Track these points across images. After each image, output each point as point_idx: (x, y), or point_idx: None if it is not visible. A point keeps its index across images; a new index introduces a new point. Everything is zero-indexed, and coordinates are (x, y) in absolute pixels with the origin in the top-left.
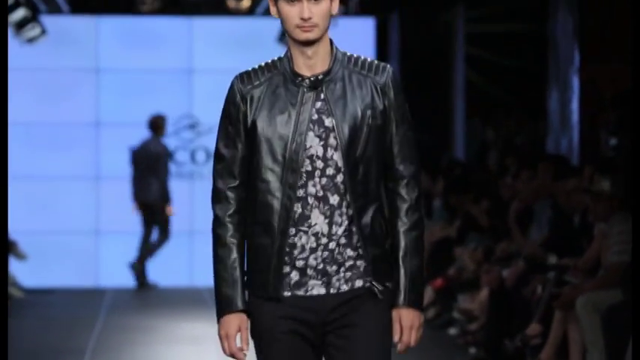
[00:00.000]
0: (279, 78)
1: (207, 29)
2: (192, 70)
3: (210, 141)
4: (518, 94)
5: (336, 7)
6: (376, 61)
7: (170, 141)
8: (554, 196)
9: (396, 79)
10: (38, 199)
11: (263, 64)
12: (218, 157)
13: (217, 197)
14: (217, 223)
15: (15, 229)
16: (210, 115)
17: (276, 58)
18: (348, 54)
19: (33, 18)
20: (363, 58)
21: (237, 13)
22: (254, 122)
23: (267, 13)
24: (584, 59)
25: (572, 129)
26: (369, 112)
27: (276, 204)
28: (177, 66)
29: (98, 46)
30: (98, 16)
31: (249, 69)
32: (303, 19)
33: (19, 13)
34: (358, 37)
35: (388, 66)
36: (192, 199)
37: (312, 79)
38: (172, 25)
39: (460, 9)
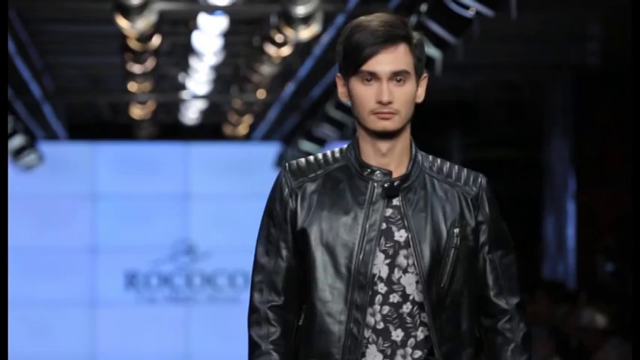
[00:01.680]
0: (341, 170)
1: (204, 155)
2: (189, 196)
3: (206, 266)
4: (514, 220)
5: (422, 94)
6: (466, 169)
7: (166, 266)
8: (551, 321)
9: (491, 191)
10: (34, 324)
11: (321, 155)
12: (257, 266)
13: (255, 318)
14: (256, 352)
15: (10, 352)
16: (207, 240)
17: (336, 149)
18: (431, 157)
19: (30, 145)
20: (449, 164)
21: (233, 138)
22: (307, 226)
23: (264, 138)
24: (579, 185)
25: (568, 254)
26: (456, 231)
27: (340, 330)
28: (174, 191)
29: (95, 172)
30: (95, 142)
31: (303, 159)
32: (381, 103)
33: (17, 141)
34: None
35: (481, 175)
36: (187, 326)
37: (386, 185)
38: (169, 151)
39: (456, 135)
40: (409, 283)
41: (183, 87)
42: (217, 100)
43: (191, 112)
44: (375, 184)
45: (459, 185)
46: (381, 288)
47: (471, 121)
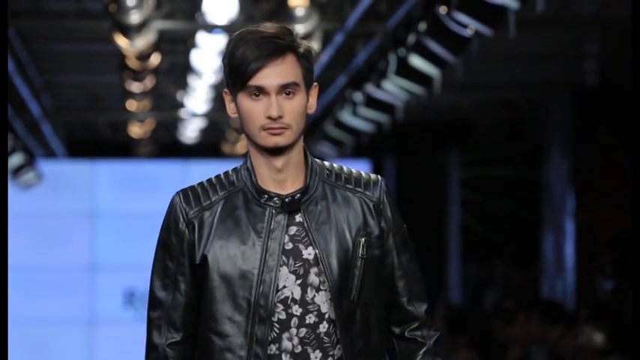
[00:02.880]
0: (237, 197)
1: (203, 173)
2: None
3: None
4: (513, 238)
5: (313, 105)
6: (364, 173)
7: None
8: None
9: (390, 194)
10: (33, 343)
11: (213, 178)
12: (154, 302)
13: (154, 357)
14: None
15: None
16: None
17: (230, 171)
18: (327, 164)
19: (29, 164)
20: (346, 169)
21: (232, 156)
22: (204, 257)
23: None
24: (578, 203)
25: (567, 273)
26: (362, 240)
27: None
28: None
29: (94, 190)
30: (94, 160)
31: (196, 184)
32: (271, 119)
33: (16, 160)
34: None
35: (380, 178)
36: None
37: (286, 199)
38: (168, 169)
39: (454, 154)
40: (323, 301)
41: (182, 105)
42: (216, 118)
43: (190, 131)
44: (274, 210)
45: (359, 191)
46: (296, 310)
47: (469, 139)
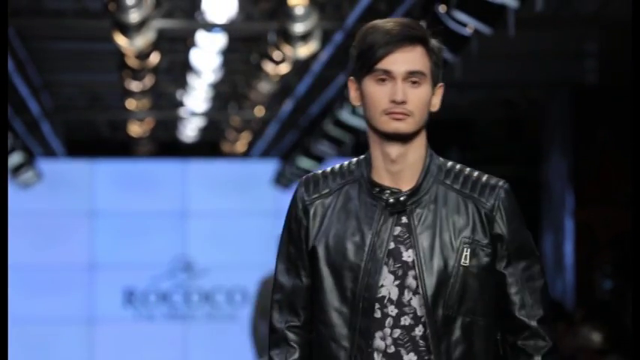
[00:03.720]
0: (353, 187)
1: (202, 172)
2: (187, 213)
3: (204, 283)
4: None
5: (437, 104)
6: (486, 177)
7: (164, 283)
8: None
9: (509, 201)
10: (32, 341)
11: (337, 166)
12: (276, 285)
13: (274, 339)
14: None
15: None
16: (205, 256)
17: (353, 160)
18: (449, 164)
19: (28, 162)
20: (468, 170)
21: (231, 155)
22: (314, 246)
23: (262, 155)
24: (578, 202)
25: (567, 271)
26: (467, 247)
27: (344, 358)
28: (172, 208)
29: (93, 189)
30: (93, 159)
31: (319, 171)
32: (394, 102)
33: (15, 159)
34: None
35: (501, 184)
36: (185, 343)
37: (391, 200)
38: (167, 168)
39: (454, 152)
40: (420, 304)
41: (181, 104)
42: (215, 117)
43: (189, 130)
44: (384, 203)
45: (473, 197)
46: (392, 310)
47: (469, 138)
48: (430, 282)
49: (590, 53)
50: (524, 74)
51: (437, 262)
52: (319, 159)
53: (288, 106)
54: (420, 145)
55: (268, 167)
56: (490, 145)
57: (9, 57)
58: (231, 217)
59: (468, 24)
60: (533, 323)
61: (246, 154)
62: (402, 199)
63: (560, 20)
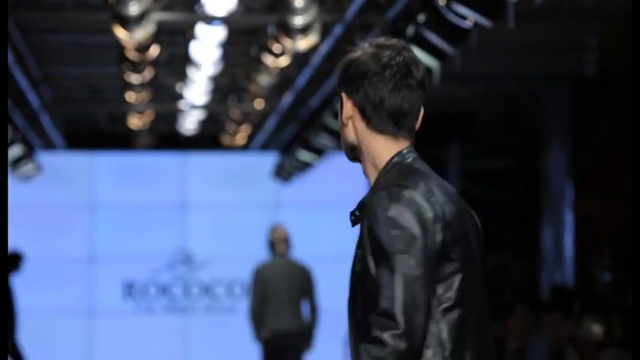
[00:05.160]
0: None
1: (202, 165)
2: (187, 205)
3: (204, 275)
4: (512, 229)
5: (345, 111)
6: (381, 187)
7: (164, 275)
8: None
9: (373, 209)
10: (33, 333)
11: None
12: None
13: None
14: None
15: None
16: (204, 249)
17: None
18: (389, 175)
19: (28, 155)
20: (383, 181)
21: (231, 148)
22: None
23: (262, 148)
24: (577, 195)
25: (566, 264)
26: (355, 257)
27: None
28: (172, 201)
29: (93, 182)
30: (93, 152)
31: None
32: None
33: (15, 151)
34: (353, 172)
35: (375, 195)
36: (185, 335)
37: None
38: (167, 161)
39: (454, 145)
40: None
41: (181, 97)
42: (215, 110)
43: (189, 122)
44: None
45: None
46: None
47: (468, 131)
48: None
49: (590, 46)
50: (524, 67)
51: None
52: (319, 152)
53: (287, 98)
54: (365, 161)
55: (268, 160)
56: (489, 138)
57: (9, 49)
58: (230, 210)
59: (468, 17)
60: (365, 326)
61: (246, 147)
62: (352, 217)
63: (560, 13)
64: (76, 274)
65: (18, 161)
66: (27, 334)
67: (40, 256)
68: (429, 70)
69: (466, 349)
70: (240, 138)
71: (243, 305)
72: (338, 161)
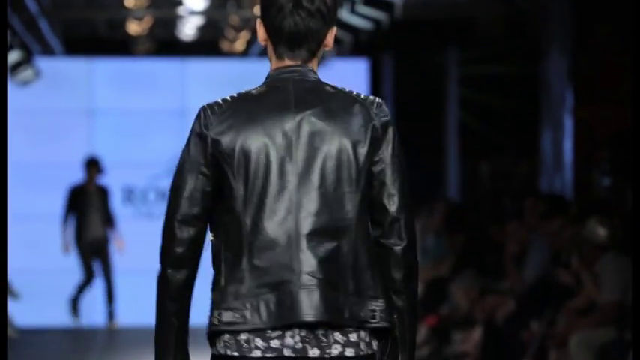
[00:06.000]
0: None
1: (201, 71)
2: (186, 111)
3: None
4: (511, 135)
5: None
6: None
7: (164, 181)
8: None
9: None
10: (32, 238)
11: None
12: None
13: None
14: None
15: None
16: None
17: None
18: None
19: (27, 60)
20: None
21: (230, 54)
22: None
23: (261, 54)
24: (577, 100)
25: (565, 169)
26: None
27: None
28: (171, 107)
29: (92, 88)
30: (92, 57)
31: None
32: None
33: (13, 56)
34: (351, 78)
35: None
36: None
37: None
38: (166, 67)
39: (453, 51)
40: None
41: (180, 3)
42: (214, 16)
43: (188, 28)
44: None
45: None
46: None
47: (468, 36)
48: None
49: None
50: None
51: None
52: None
53: None
54: None
55: (267, 66)
56: (489, 44)
57: None
58: None
59: None
60: None
61: (245, 54)
62: None
63: None
64: (75, 180)
65: (17, 67)
66: (26, 238)
67: (39, 161)
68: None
69: None
70: (240, 44)
71: None
72: (337, 67)
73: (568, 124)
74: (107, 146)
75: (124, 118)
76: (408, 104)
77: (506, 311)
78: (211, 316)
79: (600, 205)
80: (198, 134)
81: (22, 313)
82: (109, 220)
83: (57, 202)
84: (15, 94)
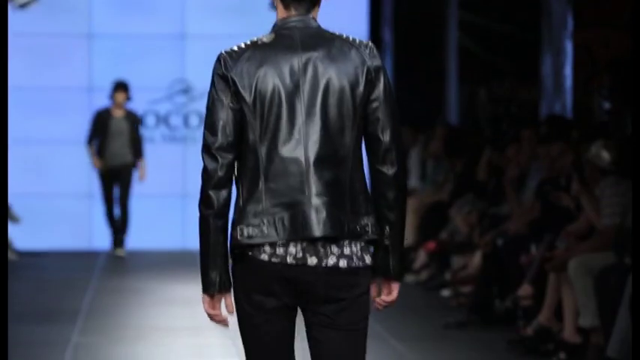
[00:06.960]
0: None
1: None
2: (185, 36)
3: (203, 106)
4: (512, 60)
5: None
6: None
7: (163, 105)
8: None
9: None
10: (31, 162)
11: None
12: None
13: None
14: None
15: (8, 191)
16: (203, 80)
17: None
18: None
19: None
20: None
21: None
22: None
23: None
24: (577, 24)
25: (566, 93)
26: None
27: None
28: (170, 31)
29: (91, 12)
30: None
31: None
32: None
33: None
34: (351, 4)
35: None
36: (184, 163)
37: None
38: None
39: None
40: None
41: None
42: None
43: None
44: None
45: None
46: None
47: None
48: None
49: None
50: None
51: None
52: None
53: None
54: None
55: None
56: None
57: None
58: (229, 41)
59: None
60: None
61: None
62: None
63: None
64: (75, 104)
65: None
66: (28, 161)
67: (38, 85)
68: None
69: None
70: None
71: None
72: None
73: (568, 48)
74: (106, 70)
75: (123, 42)
76: (408, 28)
77: (506, 236)
78: (232, 230)
79: (600, 128)
80: (221, 75)
81: (21, 237)
82: (135, 147)
83: (55, 126)
84: (14, 17)
